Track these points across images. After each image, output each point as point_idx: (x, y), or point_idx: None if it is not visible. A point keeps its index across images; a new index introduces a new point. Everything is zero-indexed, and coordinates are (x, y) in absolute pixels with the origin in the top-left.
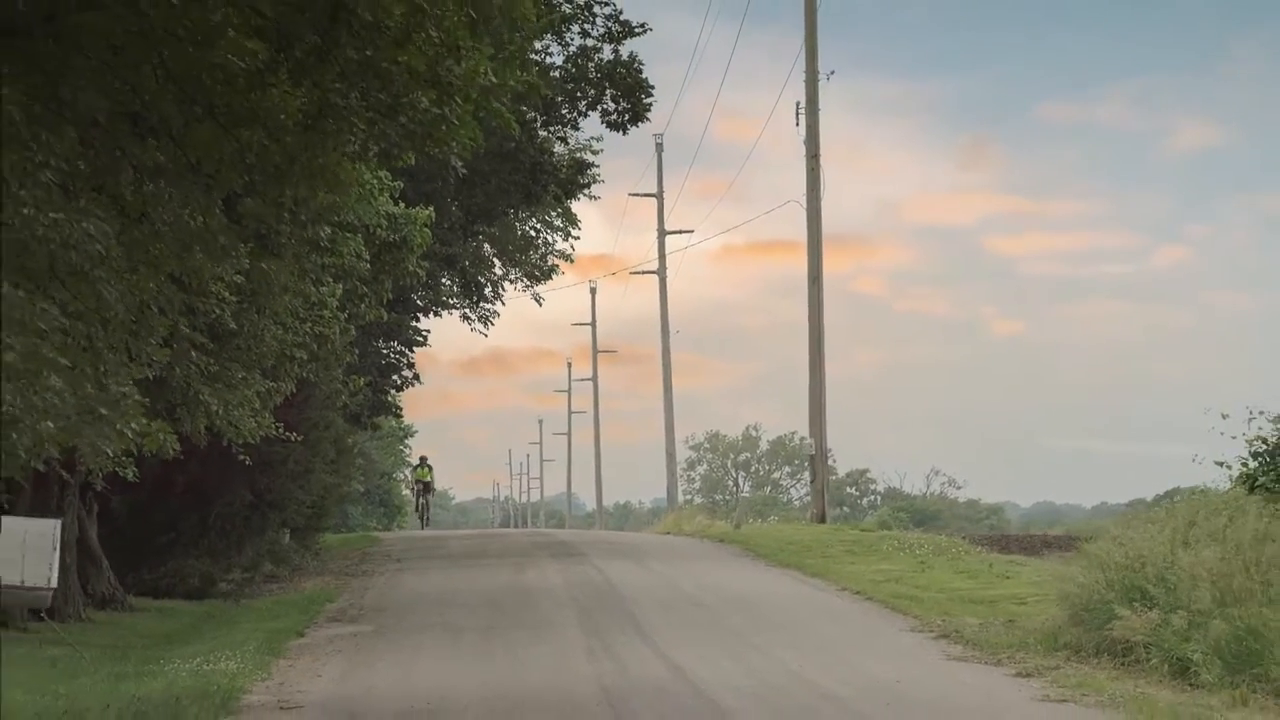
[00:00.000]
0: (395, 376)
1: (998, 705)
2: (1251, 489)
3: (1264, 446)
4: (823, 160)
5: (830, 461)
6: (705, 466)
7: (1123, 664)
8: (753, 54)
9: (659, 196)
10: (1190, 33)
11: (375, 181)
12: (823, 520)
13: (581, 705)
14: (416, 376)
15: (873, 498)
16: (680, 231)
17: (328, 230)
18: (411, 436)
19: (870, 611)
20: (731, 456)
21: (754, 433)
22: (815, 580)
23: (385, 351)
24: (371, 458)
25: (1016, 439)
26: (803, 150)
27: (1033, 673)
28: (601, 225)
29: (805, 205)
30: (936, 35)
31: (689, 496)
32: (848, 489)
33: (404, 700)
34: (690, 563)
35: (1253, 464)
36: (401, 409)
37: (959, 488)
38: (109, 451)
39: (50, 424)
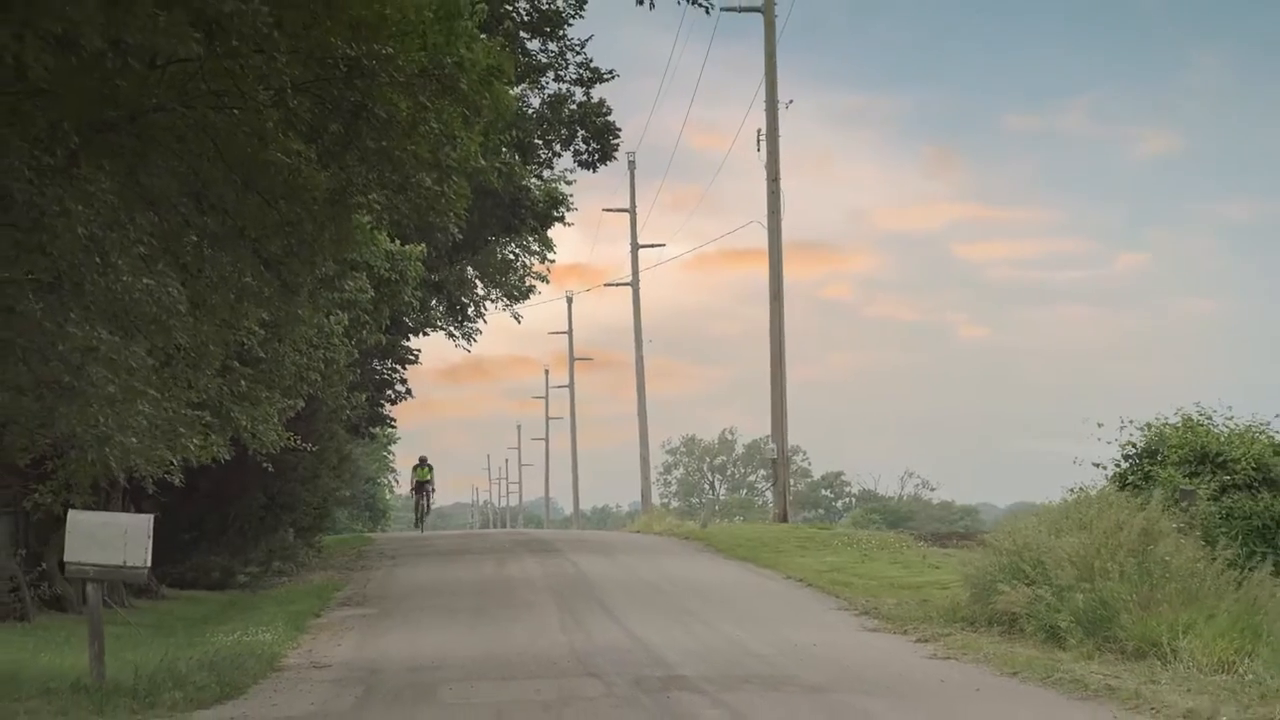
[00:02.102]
0: (389, 391)
1: (892, 661)
2: (1122, 486)
3: (1133, 450)
4: (794, 169)
5: (805, 464)
6: (682, 470)
7: (1007, 632)
8: (724, 68)
9: (631, 212)
10: (1150, 45)
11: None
12: (784, 520)
13: (556, 661)
14: (409, 391)
15: (847, 500)
16: (652, 245)
17: (352, 283)
18: (395, 443)
19: (807, 595)
20: (708, 460)
21: (730, 436)
22: (765, 570)
23: (380, 369)
24: (357, 464)
25: (990, 441)
26: (765, 174)
27: (929, 639)
28: (578, 235)
29: (766, 225)
30: (902, 49)
31: (666, 499)
32: (823, 491)
33: (413, 660)
34: (656, 557)
35: (1124, 465)
36: (395, 420)
37: (933, 489)
38: (174, 461)
39: (134, 439)
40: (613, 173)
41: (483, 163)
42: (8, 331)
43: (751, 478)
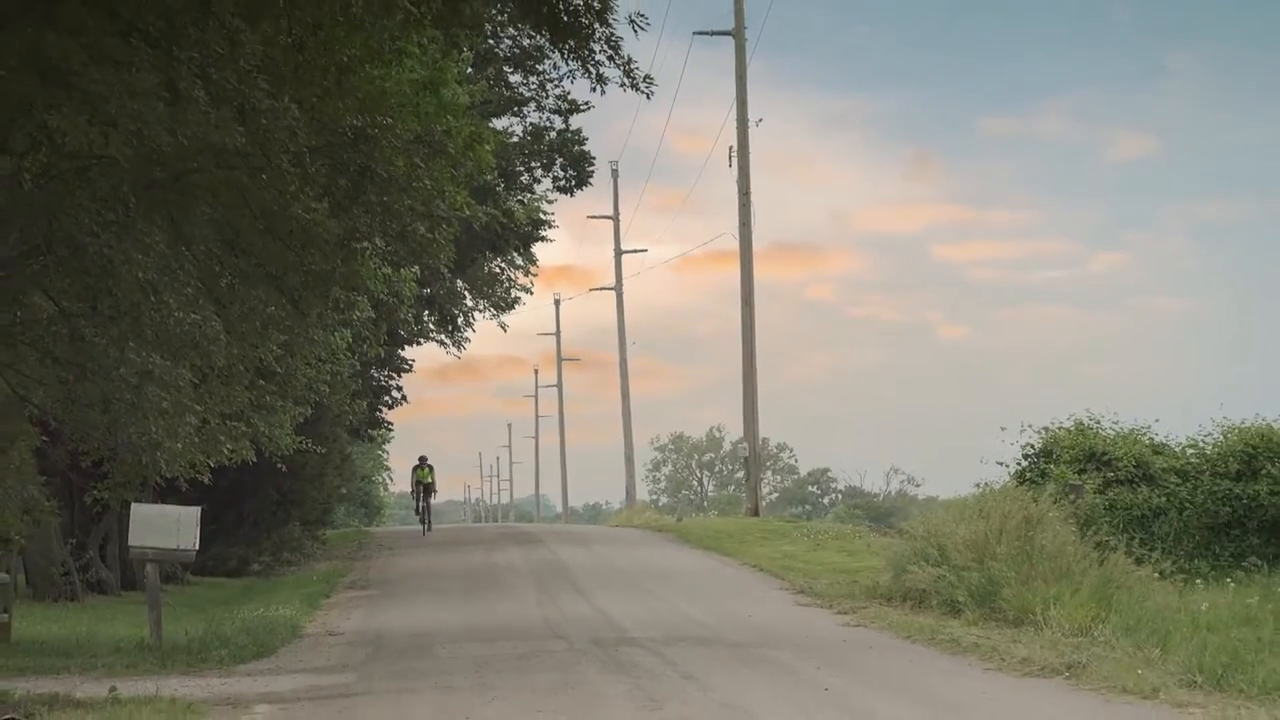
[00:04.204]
0: (386, 397)
1: (810, 627)
2: (1021, 482)
3: (1032, 450)
4: (777, 172)
5: (792, 461)
6: (670, 467)
7: (917, 605)
8: (707, 71)
9: (615, 219)
10: (1126, 49)
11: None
12: (756, 514)
13: (531, 628)
14: (404, 397)
15: (834, 496)
16: (635, 251)
17: (359, 312)
18: (389, 442)
19: (756, 577)
20: (696, 457)
21: (717, 434)
22: (725, 558)
23: (378, 377)
24: (353, 462)
25: (974, 438)
26: (743, 186)
27: (848, 611)
28: (566, 237)
29: (738, 236)
30: (883, 53)
31: (656, 496)
32: (810, 488)
33: (412, 630)
34: (629, 547)
35: (1023, 463)
36: (392, 424)
37: (918, 485)
38: (210, 463)
39: (179, 445)
40: (599, 177)
41: (468, 213)
42: (79, 357)
43: (739, 474)
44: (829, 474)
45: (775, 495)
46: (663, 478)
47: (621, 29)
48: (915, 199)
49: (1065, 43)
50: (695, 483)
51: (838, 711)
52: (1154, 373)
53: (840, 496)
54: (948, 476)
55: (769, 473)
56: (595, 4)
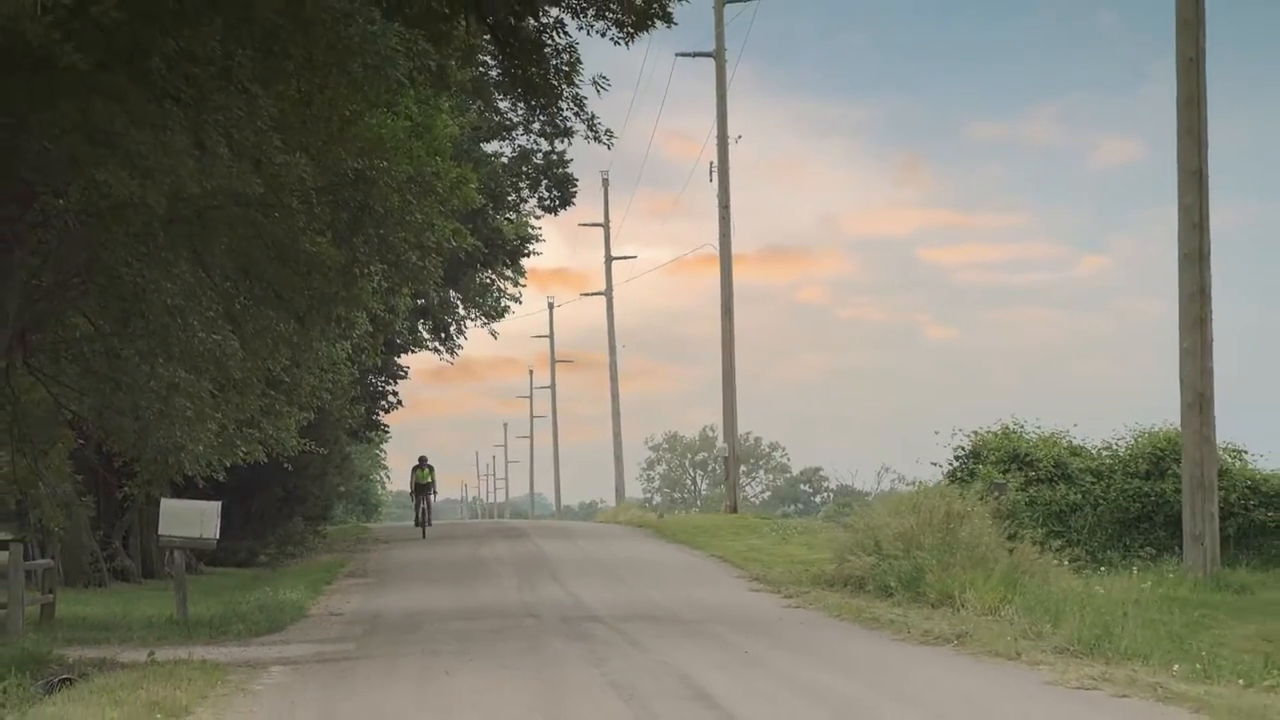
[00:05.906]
0: (383, 401)
1: (755, 608)
2: (952, 480)
3: (962, 452)
4: (769, 176)
5: (784, 460)
6: (665, 466)
7: (855, 590)
8: (696, 77)
9: (605, 226)
10: (1110, 56)
11: None
12: (734, 511)
13: (509, 608)
14: (400, 401)
15: (825, 495)
16: (624, 258)
17: (358, 330)
18: (386, 442)
19: (719, 567)
20: (689, 456)
21: (710, 434)
22: (695, 550)
23: (375, 383)
24: (352, 462)
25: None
26: (723, 200)
27: (794, 595)
28: (559, 241)
29: (718, 248)
30: (872, 60)
31: (650, 494)
32: (801, 486)
33: (404, 610)
34: (609, 541)
35: (955, 464)
36: (388, 427)
37: (909, 484)
38: (225, 463)
39: (201, 448)
40: (591, 184)
41: (455, 242)
42: (114, 371)
43: None
44: (821, 473)
45: (768, 494)
46: (656, 476)
47: (586, 89)
48: (904, 203)
49: (1052, 49)
50: (689, 481)
51: (748, 668)
52: (1141, 373)
53: (832, 495)
54: (939, 475)
55: (761, 471)
56: (564, 67)
